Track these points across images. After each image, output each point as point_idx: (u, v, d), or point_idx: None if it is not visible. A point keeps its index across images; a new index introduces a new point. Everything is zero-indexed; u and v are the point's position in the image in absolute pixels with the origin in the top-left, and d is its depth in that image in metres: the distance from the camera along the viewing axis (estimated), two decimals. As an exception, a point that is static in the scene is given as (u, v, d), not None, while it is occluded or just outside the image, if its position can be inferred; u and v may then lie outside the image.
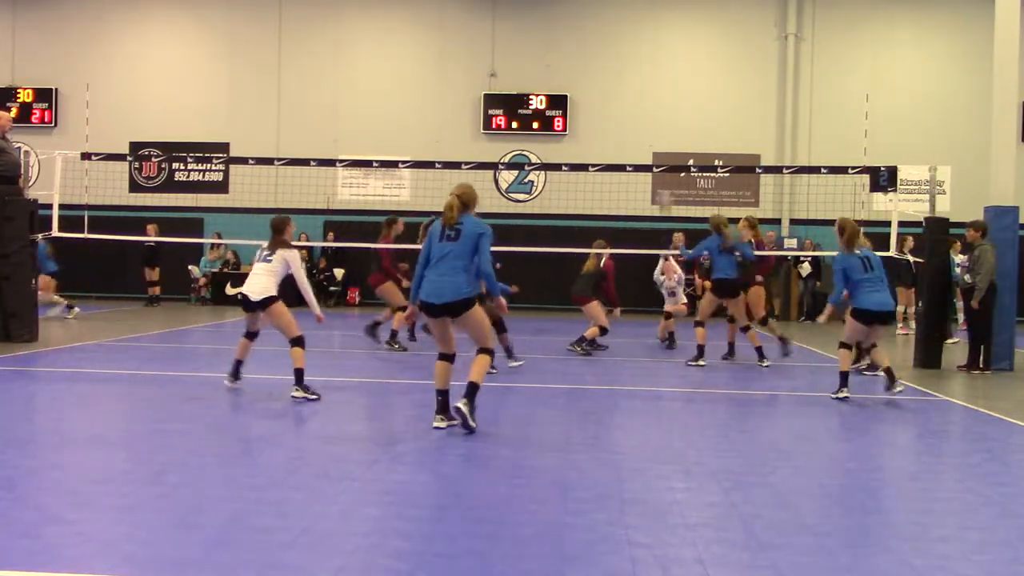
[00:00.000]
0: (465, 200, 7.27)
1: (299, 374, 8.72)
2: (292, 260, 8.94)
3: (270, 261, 8.89)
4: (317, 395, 8.65)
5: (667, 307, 14.76)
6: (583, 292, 13.24)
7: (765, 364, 12.03)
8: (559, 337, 15.73)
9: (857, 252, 9.61)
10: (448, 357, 7.32)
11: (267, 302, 8.73)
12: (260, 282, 8.81)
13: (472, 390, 7.15)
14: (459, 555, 4.32)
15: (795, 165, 21.16)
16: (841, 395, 9.38)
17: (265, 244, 9.11)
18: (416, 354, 12.77)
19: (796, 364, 12.39)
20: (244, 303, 8.89)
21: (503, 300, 7.51)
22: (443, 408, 7.26)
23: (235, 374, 9.17)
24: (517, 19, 23.37)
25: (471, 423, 7.08)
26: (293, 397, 8.60)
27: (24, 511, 4.89)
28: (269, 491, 5.37)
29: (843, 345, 9.66)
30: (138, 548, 4.33)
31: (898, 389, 9.40)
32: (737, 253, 12.28)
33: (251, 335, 9.22)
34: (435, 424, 7.24)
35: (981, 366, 12.12)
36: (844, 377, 9.48)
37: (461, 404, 7.06)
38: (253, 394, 9.13)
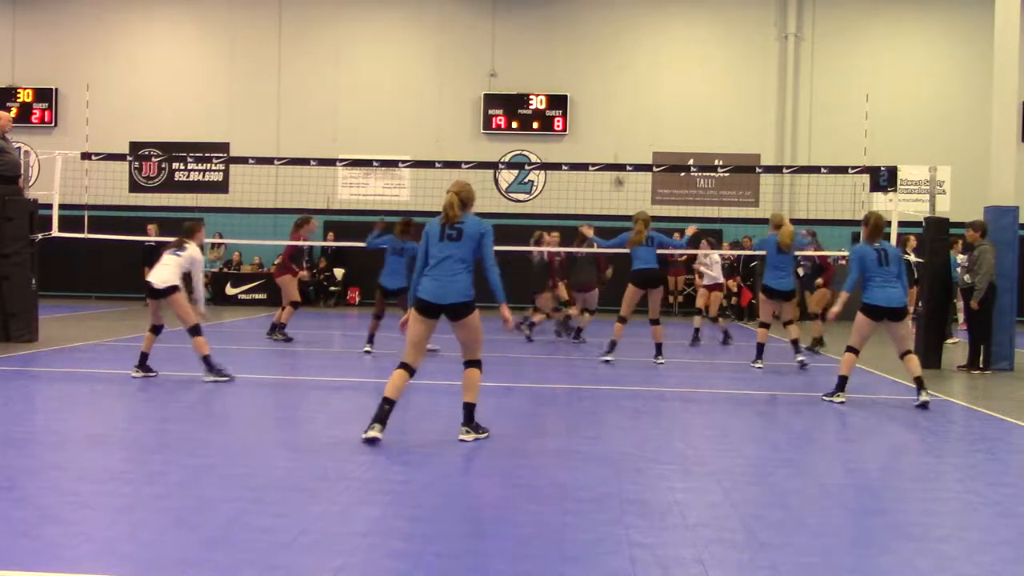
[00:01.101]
0: (464, 197, 6.99)
1: (206, 360, 9.35)
2: (196, 259, 9.64)
3: (179, 256, 9.54)
4: (229, 376, 9.31)
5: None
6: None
7: (758, 366, 12.05)
8: (558, 337, 15.72)
9: (876, 245, 9.38)
10: (410, 369, 6.85)
11: (169, 291, 9.38)
12: (165, 272, 9.46)
13: (469, 413, 6.88)
14: (459, 555, 4.31)
15: (795, 165, 21.15)
16: (837, 399, 9.21)
17: (175, 240, 9.86)
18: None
19: (795, 364, 12.36)
20: (148, 291, 9.52)
21: (507, 311, 6.99)
22: (384, 418, 6.67)
23: (140, 365, 9.76)
24: (517, 19, 23.37)
25: (483, 435, 6.90)
26: (205, 382, 9.20)
27: (24, 511, 4.89)
28: (269, 491, 5.37)
29: (850, 349, 9.40)
30: (138, 548, 4.33)
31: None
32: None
33: (155, 329, 9.83)
34: (369, 434, 6.58)
35: (981, 366, 12.12)
36: (843, 381, 9.29)
37: (465, 437, 6.80)
38: (253, 394, 9.14)
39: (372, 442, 6.53)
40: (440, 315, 6.84)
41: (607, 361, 12.09)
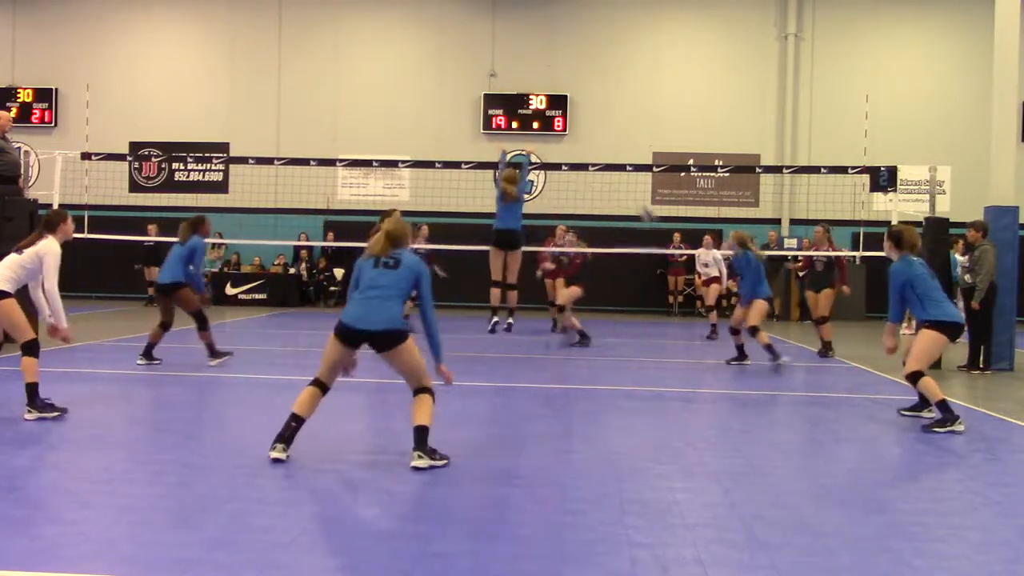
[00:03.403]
0: (396, 236, 6.20)
1: (30, 390, 7.36)
2: (47, 258, 7.58)
3: (20, 253, 7.69)
4: (59, 411, 7.43)
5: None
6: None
7: (735, 362, 12.23)
8: (558, 337, 15.72)
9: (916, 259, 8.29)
10: (324, 387, 6.22)
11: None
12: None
13: (422, 437, 5.92)
14: (459, 555, 4.31)
15: (795, 165, 21.15)
16: (958, 428, 7.76)
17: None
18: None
19: (796, 364, 12.37)
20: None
21: (444, 367, 6.25)
22: (289, 437, 6.04)
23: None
24: (517, 19, 23.37)
25: (440, 463, 5.96)
26: (25, 419, 7.30)
27: (24, 511, 4.89)
28: (269, 491, 5.37)
29: (921, 373, 8.08)
30: (138, 548, 4.33)
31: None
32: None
33: (164, 325, 9.97)
34: (273, 455, 5.97)
35: (981, 366, 12.13)
36: (944, 404, 7.90)
37: (418, 463, 5.84)
38: (252, 393, 9.14)
39: (277, 462, 5.93)
40: (360, 344, 6.09)
41: (508, 327, 12.39)
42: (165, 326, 10.73)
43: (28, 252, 7.59)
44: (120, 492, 5.32)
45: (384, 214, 14.04)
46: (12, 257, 7.67)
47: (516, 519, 4.98)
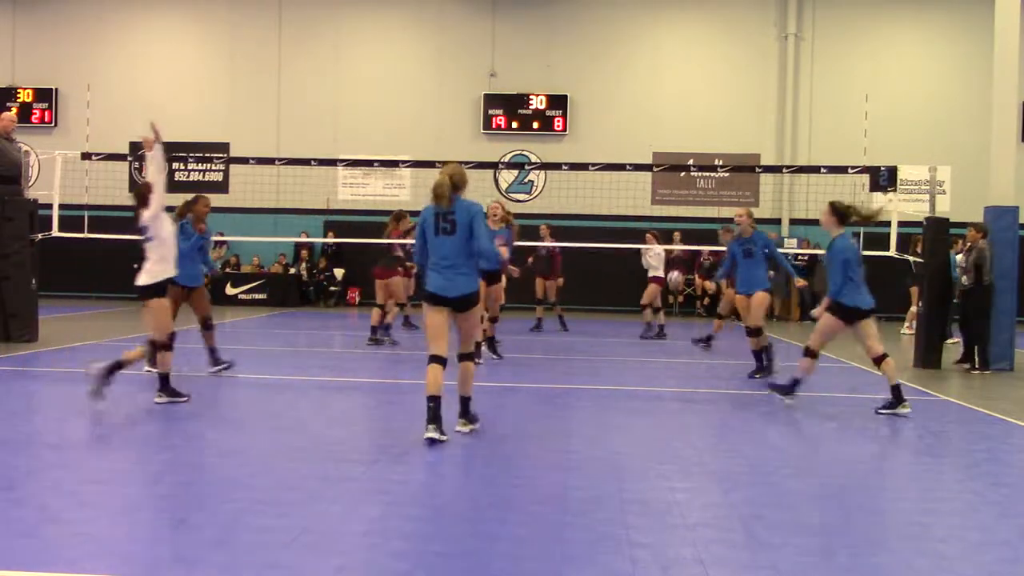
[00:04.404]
0: (456, 180, 6.89)
1: (163, 379, 8.23)
2: (148, 210, 8.16)
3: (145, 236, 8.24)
4: (185, 396, 8.18)
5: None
6: None
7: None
8: (558, 337, 15.74)
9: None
10: (442, 360, 6.86)
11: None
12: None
13: (467, 406, 7.10)
14: (459, 555, 4.31)
15: (795, 165, 21.15)
16: (789, 401, 8.83)
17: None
18: (413, 353, 12.76)
19: (795, 365, 12.35)
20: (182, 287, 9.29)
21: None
22: (438, 418, 6.73)
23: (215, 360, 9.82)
24: (517, 19, 23.37)
25: (476, 426, 7.16)
26: (155, 403, 8.10)
27: (24, 511, 4.89)
28: (269, 491, 5.37)
29: (885, 356, 8.65)
30: (138, 548, 4.33)
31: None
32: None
33: (205, 323, 9.88)
34: (428, 435, 6.65)
35: (978, 366, 12.16)
36: (897, 390, 8.52)
37: (462, 428, 7.02)
38: (253, 394, 9.13)
39: (432, 443, 6.60)
40: (450, 305, 6.93)
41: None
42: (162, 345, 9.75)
43: (146, 228, 8.24)
44: (120, 492, 5.32)
45: (395, 214, 14.37)
46: (148, 246, 8.25)
47: (516, 519, 4.98)
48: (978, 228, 12.25)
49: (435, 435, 6.65)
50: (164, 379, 8.23)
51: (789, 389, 8.99)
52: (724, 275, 11.92)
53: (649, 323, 15.98)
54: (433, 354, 6.85)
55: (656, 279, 15.99)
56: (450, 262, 6.85)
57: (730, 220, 11.94)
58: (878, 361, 8.64)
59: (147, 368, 9.58)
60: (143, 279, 8.15)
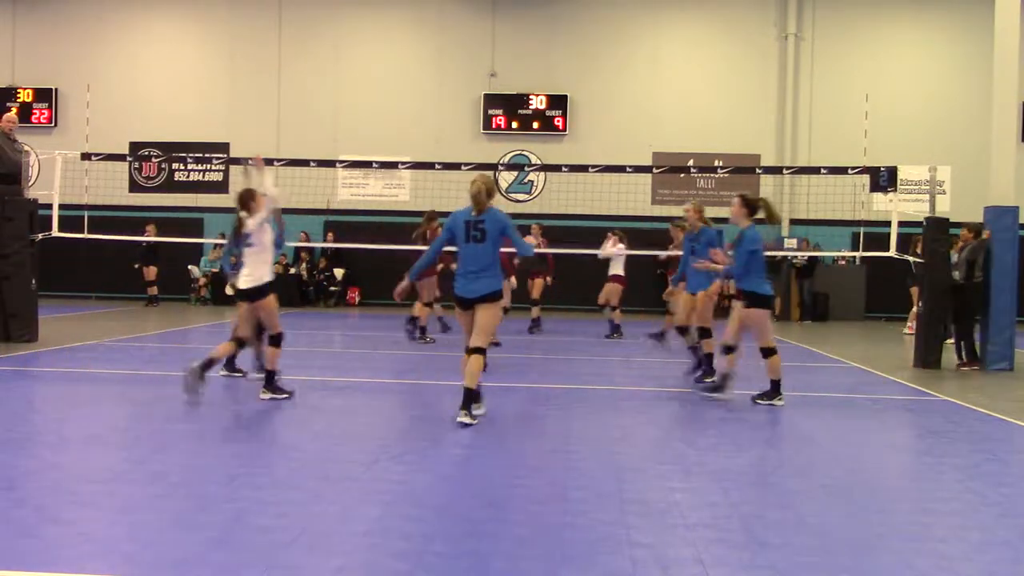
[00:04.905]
0: (490, 187, 7.67)
1: (269, 376, 8.60)
2: (256, 218, 8.51)
3: (245, 242, 8.65)
4: (288, 393, 8.54)
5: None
6: None
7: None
8: (558, 336, 15.74)
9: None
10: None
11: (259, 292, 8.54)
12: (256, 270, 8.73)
13: (470, 398, 7.44)
14: (459, 555, 4.31)
15: (795, 165, 21.15)
16: (726, 397, 9.05)
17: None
18: (414, 354, 12.77)
19: (795, 365, 12.37)
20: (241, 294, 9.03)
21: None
22: (469, 403, 7.44)
23: (269, 385, 9.07)
24: (517, 19, 23.37)
25: (483, 413, 7.71)
26: (260, 398, 8.52)
27: (24, 511, 4.89)
28: (269, 491, 5.37)
29: (735, 348, 9.13)
30: (138, 548, 4.33)
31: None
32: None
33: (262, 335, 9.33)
34: (460, 419, 7.35)
35: (966, 361, 12.32)
36: (777, 384, 8.96)
37: (463, 418, 7.34)
38: (253, 394, 9.13)
39: (464, 426, 7.26)
40: (472, 304, 7.57)
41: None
42: (241, 343, 9.13)
43: (249, 234, 8.54)
44: (120, 492, 5.32)
45: (428, 215, 14.32)
46: (248, 251, 8.57)
47: (516, 519, 4.98)
48: (970, 228, 12.33)
49: (466, 419, 7.31)
50: (271, 376, 8.56)
51: (719, 387, 9.20)
52: (680, 277, 10.97)
53: (617, 324, 15.78)
54: (466, 347, 7.59)
55: (616, 277, 15.82)
56: (478, 267, 7.50)
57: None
58: (729, 350, 9.13)
59: (254, 374, 9.39)
60: (244, 283, 8.54)
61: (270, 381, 8.58)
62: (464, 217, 7.55)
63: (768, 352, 8.96)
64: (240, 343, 8.88)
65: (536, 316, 16.72)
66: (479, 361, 7.50)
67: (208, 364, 8.21)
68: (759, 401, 8.93)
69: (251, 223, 8.56)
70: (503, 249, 8.03)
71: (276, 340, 8.64)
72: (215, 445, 6.85)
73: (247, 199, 8.69)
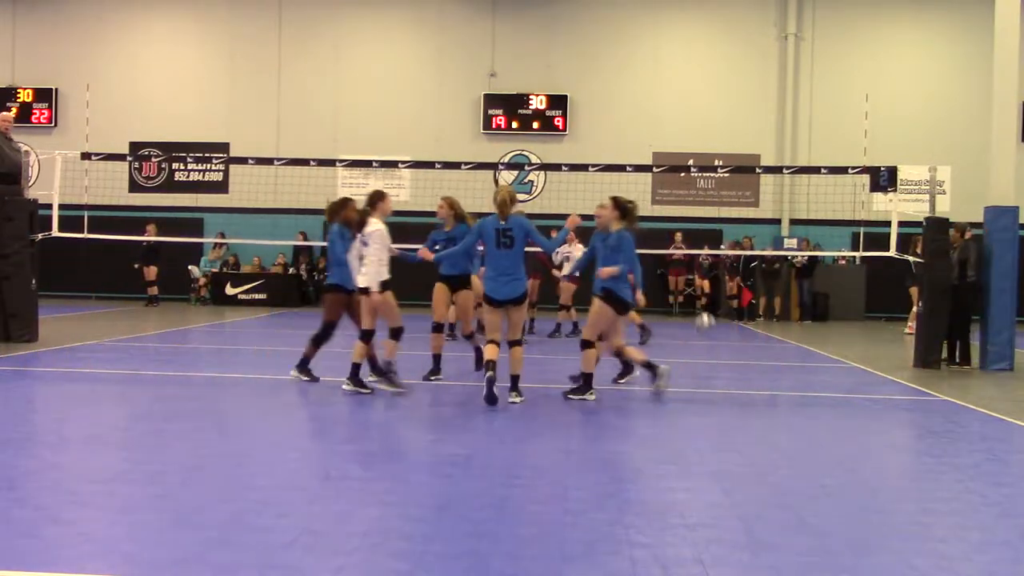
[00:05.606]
0: (514, 196, 8.66)
1: (355, 368, 9.11)
2: (374, 236, 8.83)
3: (357, 240, 9.16)
4: (370, 390, 9.00)
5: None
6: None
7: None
8: (556, 336, 15.73)
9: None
10: (496, 342, 8.55)
11: (363, 290, 9.03)
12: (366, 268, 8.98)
13: (516, 382, 8.56)
14: (459, 555, 4.31)
15: (795, 165, 21.15)
16: (590, 398, 8.86)
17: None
18: (414, 354, 12.76)
19: (795, 365, 12.38)
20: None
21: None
22: (492, 380, 8.29)
23: (352, 377, 9.18)
24: (517, 19, 23.37)
25: (524, 399, 8.56)
26: (343, 389, 9.06)
27: (24, 511, 4.89)
28: (269, 491, 5.37)
29: (626, 346, 9.42)
30: (138, 548, 4.33)
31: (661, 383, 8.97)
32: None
33: (365, 335, 9.25)
34: (512, 400, 8.45)
35: (958, 359, 12.37)
36: (590, 377, 8.96)
37: (515, 399, 8.46)
38: (253, 394, 9.13)
39: (491, 398, 8.23)
40: (504, 305, 8.55)
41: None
42: (368, 335, 9.12)
43: (363, 236, 8.85)
44: (120, 492, 5.32)
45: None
46: (358, 249, 8.92)
47: (516, 519, 4.98)
48: (957, 228, 12.38)
49: (517, 399, 8.40)
50: (356, 369, 9.05)
51: (584, 389, 8.93)
52: (579, 267, 10.79)
53: (573, 322, 15.72)
54: (490, 338, 8.58)
55: (571, 278, 15.61)
56: (508, 271, 8.50)
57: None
58: (619, 352, 9.40)
59: (371, 376, 9.30)
60: (363, 281, 8.88)
61: (354, 374, 9.07)
62: (494, 225, 8.48)
63: (585, 344, 8.99)
64: (368, 335, 9.17)
65: (531, 316, 16.72)
66: (520, 351, 8.64)
67: (373, 366, 9.24)
68: (571, 396, 8.89)
69: (374, 222, 8.83)
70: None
71: (396, 333, 9.12)
72: (215, 444, 6.85)
73: (376, 199, 9.01)
